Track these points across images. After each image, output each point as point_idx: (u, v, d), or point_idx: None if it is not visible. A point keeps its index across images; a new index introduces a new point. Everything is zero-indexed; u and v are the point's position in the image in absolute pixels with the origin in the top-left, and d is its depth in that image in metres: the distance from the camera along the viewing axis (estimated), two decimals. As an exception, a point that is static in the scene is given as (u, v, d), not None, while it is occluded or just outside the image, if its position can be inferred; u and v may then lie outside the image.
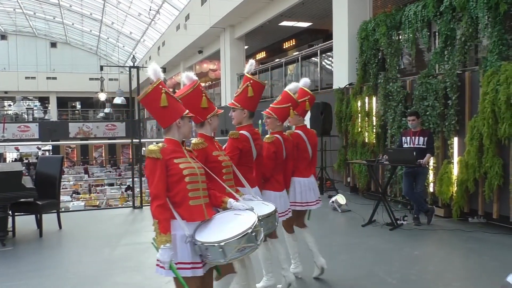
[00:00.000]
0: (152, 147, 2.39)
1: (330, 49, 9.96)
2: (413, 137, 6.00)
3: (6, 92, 34.29)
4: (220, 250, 2.21)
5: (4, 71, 33.78)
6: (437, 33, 6.63)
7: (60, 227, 5.96)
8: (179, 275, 2.30)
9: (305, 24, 15.41)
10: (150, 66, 2.46)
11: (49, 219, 5.95)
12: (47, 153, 29.58)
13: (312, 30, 15.98)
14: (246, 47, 16.88)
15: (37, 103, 38.85)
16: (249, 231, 2.26)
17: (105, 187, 23.22)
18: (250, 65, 3.33)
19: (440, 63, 6.44)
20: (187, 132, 2.53)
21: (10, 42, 36.08)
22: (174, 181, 2.39)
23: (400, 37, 7.43)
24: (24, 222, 5.98)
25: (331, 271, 4.10)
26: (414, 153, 5.66)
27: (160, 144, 2.43)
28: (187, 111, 2.53)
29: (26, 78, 33.81)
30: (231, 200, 2.59)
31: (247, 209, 2.49)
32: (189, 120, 2.54)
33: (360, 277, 4.10)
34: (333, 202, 7.07)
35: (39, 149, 32.44)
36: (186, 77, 2.79)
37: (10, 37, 36.59)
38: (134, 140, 7.97)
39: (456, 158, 6.14)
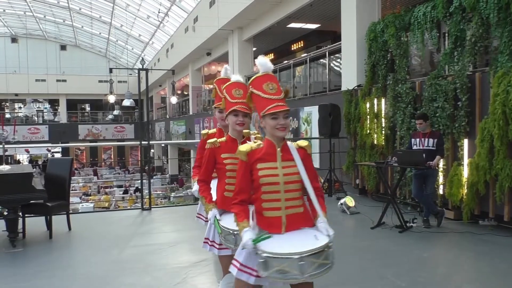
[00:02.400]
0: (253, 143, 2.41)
1: (338, 50, 9.92)
2: (422, 139, 5.95)
3: (16, 95, 34.73)
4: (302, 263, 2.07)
5: (14, 73, 34.15)
6: (446, 34, 6.58)
7: (69, 228, 6.00)
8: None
9: (313, 26, 15.37)
10: (259, 57, 2.42)
11: (58, 220, 6.00)
12: (55, 155, 29.81)
13: (320, 32, 15.93)
14: (254, 49, 16.88)
15: (47, 105, 39.31)
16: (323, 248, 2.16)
17: (114, 188, 23.43)
18: (226, 70, 3.43)
19: (450, 64, 6.39)
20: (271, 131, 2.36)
21: (21, 45, 36.49)
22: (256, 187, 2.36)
23: (409, 38, 7.39)
24: (34, 224, 6.03)
25: (340, 274, 4.08)
26: (424, 155, 5.61)
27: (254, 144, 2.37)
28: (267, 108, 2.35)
29: (36, 80, 34.14)
30: (319, 219, 2.39)
31: (326, 235, 2.31)
32: (270, 117, 2.30)
33: (369, 280, 4.07)
34: (341, 204, 7.04)
35: (49, 151, 32.76)
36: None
37: (20, 40, 37.02)
38: (142, 142, 8.02)
39: (466, 160, 6.08)
